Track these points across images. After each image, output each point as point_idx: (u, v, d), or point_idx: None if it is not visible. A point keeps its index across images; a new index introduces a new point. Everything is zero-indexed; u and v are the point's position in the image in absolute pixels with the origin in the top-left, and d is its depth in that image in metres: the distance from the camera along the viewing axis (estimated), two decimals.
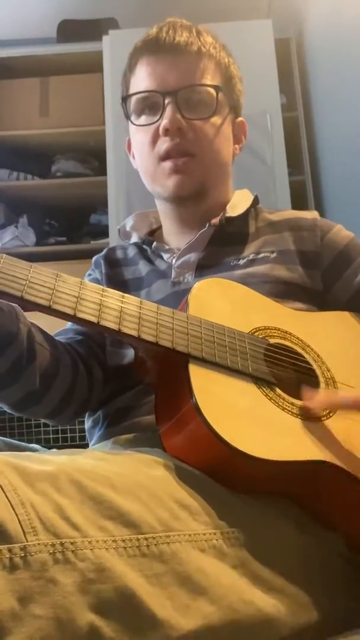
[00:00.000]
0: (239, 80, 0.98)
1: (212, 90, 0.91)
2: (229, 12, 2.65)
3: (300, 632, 0.57)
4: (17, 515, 0.45)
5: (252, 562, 0.57)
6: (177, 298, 0.82)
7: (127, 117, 0.96)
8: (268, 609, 0.55)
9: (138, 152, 0.96)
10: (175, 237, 0.98)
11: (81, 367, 0.86)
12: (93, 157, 2.85)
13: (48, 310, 0.64)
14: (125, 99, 0.94)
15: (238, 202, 0.98)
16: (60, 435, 1.94)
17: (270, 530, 0.61)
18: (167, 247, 0.96)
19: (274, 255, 0.90)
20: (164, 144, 0.90)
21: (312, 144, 2.68)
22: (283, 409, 0.67)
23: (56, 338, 0.88)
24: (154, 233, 1.03)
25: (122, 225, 1.04)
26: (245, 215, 0.96)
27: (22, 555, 0.43)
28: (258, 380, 0.68)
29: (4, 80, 2.84)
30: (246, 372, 0.68)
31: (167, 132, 0.89)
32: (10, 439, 0.81)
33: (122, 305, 0.67)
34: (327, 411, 0.69)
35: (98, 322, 0.65)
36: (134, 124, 0.94)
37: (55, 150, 2.87)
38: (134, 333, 0.66)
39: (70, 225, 2.93)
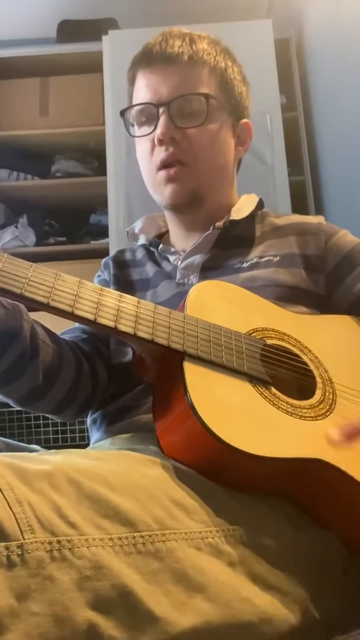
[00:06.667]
0: (240, 82, 0.99)
1: (202, 98, 0.92)
2: (229, 12, 2.65)
3: (298, 631, 0.57)
4: (14, 513, 0.45)
5: (248, 560, 0.57)
6: (182, 299, 0.83)
7: (127, 129, 0.98)
8: (265, 607, 0.55)
9: (140, 162, 0.99)
10: (181, 240, 1.00)
11: (85, 364, 0.87)
12: (93, 157, 2.86)
13: (47, 307, 0.65)
14: (123, 112, 0.97)
15: (243, 206, 0.99)
16: (60, 436, 1.94)
17: (266, 528, 0.61)
18: (173, 249, 0.98)
19: (278, 258, 0.90)
20: (159, 153, 0.92)
21: (312, 144, 2.68)
22: (278, 407, 0.67)
23: (62, 336, 0.89)
24: (163, 236, 1.05)
25: (131, 228, 1.06)
26: (251, 219, 0.98)
27: (19, 553, 0.44)
28: (253, 379, 0.69)
29: (4, 80, 2.84)
30: (241, 371, 0.68)
31: (161, 142, 0.91)
32: (10, 439, 0.82)
33: (120, 304, 0.68)
34: (324, 410, 0.70)
35: (95, 320, 0.66)
36: (133, 136, 0.97)
37: (55, 150, 2.87)
38: (130, 330, 0.67)
39: (70, 226, 2.93)
